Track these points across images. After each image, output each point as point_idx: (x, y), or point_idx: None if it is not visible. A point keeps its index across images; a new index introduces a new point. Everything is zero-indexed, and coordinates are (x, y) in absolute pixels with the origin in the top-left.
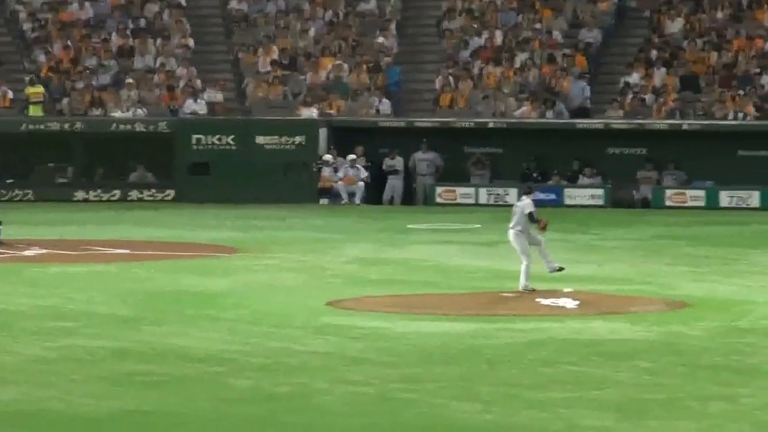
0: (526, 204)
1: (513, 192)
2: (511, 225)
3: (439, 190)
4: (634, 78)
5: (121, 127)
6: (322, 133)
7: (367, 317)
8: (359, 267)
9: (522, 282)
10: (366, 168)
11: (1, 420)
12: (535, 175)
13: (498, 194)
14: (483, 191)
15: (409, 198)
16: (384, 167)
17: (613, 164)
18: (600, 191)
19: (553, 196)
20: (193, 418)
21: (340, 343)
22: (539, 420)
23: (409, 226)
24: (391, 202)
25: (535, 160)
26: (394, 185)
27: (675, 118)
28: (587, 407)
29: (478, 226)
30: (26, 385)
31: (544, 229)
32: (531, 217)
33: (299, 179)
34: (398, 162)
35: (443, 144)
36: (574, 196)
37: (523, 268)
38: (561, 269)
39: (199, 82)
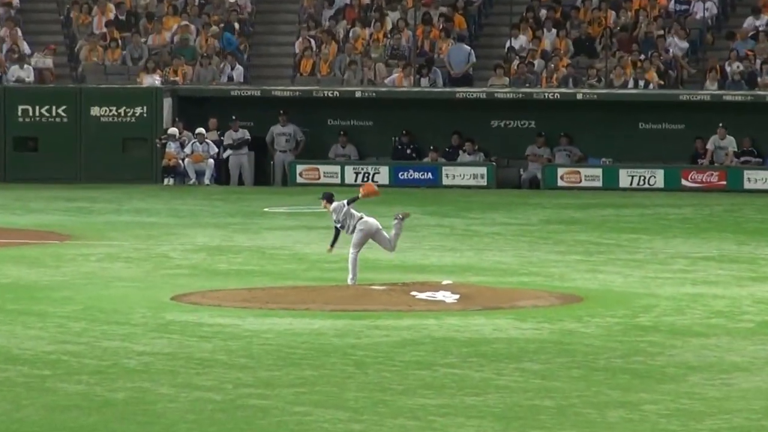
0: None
1: (384, 170)
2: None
3: (299, 168)
4: (521, 41)
5: None
6: (167, 103)
7: (217, 313)
8: (208, 256)
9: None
10: (217, 143)
11: None
12: (408, 151)
13: (367, 173)
14: (349, 169)
15: (265, 177)
16: (226, 142)
17: (497, 139)
18: (482, 170)
19: (429, 176)
20: (18, 428)
21: (186, 343)
22: (412, 429)
23: (266, 209)
24: (240, 182)
25: (407, 134)
26: (240, 162)
27: (568, 86)
28: (467, 415)
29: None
30: None
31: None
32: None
33: (140, 156)
34: (242, 134)
35: (304, 116)
36: (453, 175)
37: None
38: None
39: (25, 46)
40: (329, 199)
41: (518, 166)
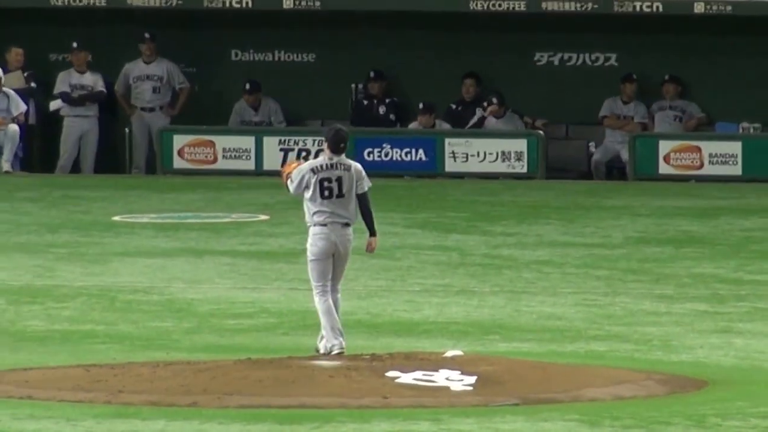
0: (359, 170)
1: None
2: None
3: (178, 140)
4: None
5: None
6: None
7: (27, 411)
8: (8, 305)
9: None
10: (27, 95)
11: None
12: (381, 110)
13: (304, 149)
14: (271, 143)
15: (114, 156)
16: (59, 89)
17: (546, 88)
18: (520, 144)
19: (420, 156)
20: None
21: None
22: None
23: (116, 218)
24: (77, 166)
25: (381, 78)
26: (84, 131)
27: None
28: None
29: (264, 217)
30: None
31: None
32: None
33: None
34: (92, 80)
35: (188, 45)
36: (465, 154)
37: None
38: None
39: None
40: (336, 145)
41: (586, 137)
